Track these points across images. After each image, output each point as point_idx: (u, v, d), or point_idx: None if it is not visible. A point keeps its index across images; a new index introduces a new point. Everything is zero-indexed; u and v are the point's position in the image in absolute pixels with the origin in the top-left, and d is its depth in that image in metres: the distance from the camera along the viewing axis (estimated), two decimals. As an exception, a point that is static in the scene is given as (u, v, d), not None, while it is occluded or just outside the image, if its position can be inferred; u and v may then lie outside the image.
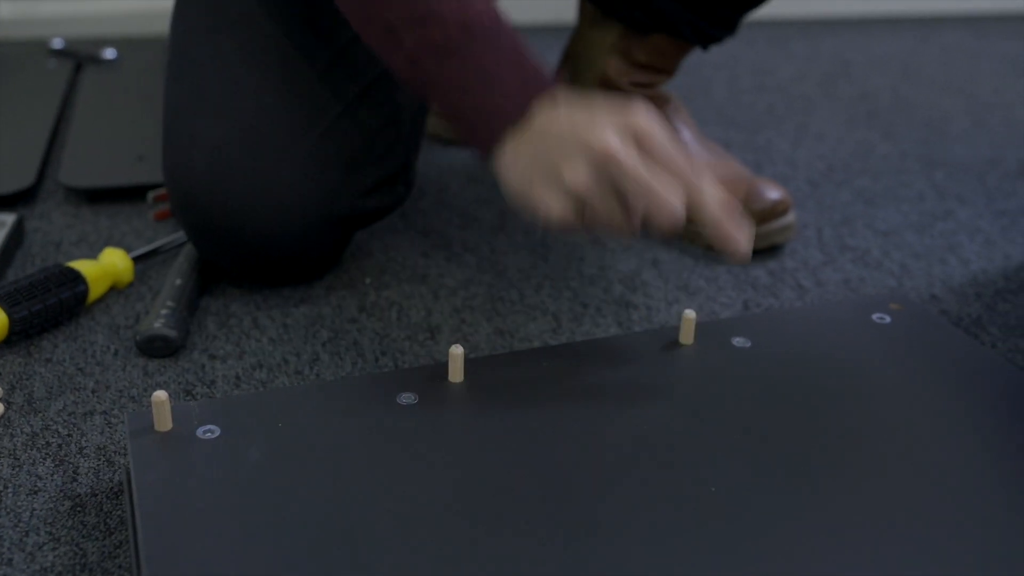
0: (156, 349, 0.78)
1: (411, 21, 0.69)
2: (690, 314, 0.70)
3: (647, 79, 1.05)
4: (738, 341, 0.71)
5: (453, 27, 0.69)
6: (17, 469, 0.67)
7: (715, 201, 0.64)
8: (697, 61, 1.48)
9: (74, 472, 0.67)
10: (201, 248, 0.85)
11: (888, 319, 0.75)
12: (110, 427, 0.71)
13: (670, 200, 0.62)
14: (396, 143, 0.88)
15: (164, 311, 0.79)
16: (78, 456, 0.68)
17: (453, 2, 0.69)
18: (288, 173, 0.81)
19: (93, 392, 0.75)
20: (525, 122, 0.68)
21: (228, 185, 0.80)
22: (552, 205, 0.65)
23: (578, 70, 1.08)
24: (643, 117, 0.64)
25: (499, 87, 0.69)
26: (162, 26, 1.46)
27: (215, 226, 0.81)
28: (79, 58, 1.38)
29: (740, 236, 0.64)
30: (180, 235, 0.93)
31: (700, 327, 0.72)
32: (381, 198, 0.88)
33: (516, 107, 0.68)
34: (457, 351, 0.65)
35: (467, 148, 0.70)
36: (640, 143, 0.64)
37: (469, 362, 0.67)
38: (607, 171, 0.63)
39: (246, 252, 0.83)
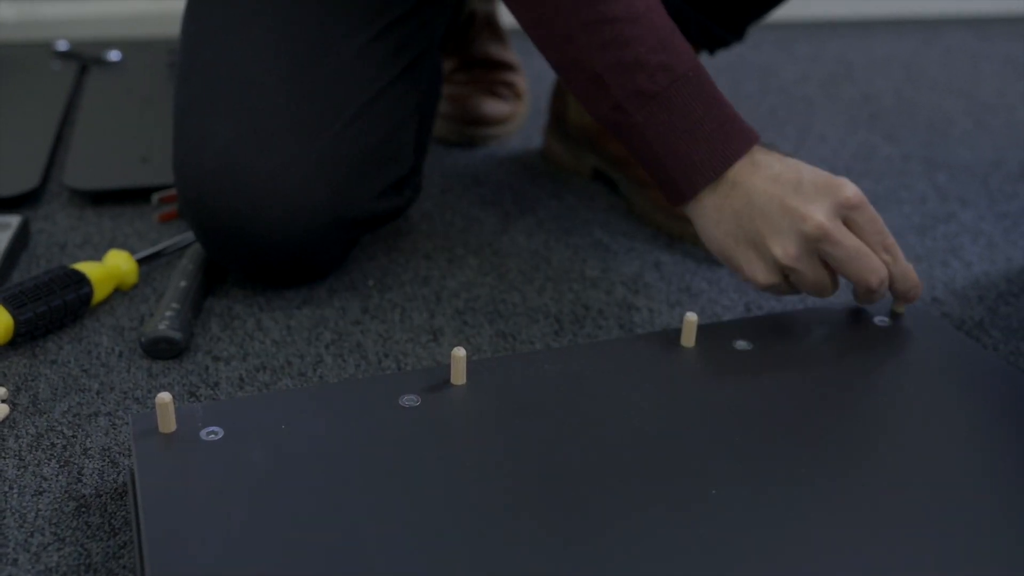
0: (160, 351, 0.78)
1: (618, 68, 0.72)
2: (691, 317, 0.70)
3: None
4: (740, 344, 0.71)
5: (659, 73, 0.72)
6: (22, 470, 0.67)
7: (906, 277, 0.73)
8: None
9: (79, 473, 0.67)
10: (208, 248, 0.85)
11: (889, 322, 0.75)
12: (114, 428, 0.71)
13: (876, 272, 0.70)
14: (406, 146, 0.88)
15: (168, 313, 0.80)
16: (83, 457, 0.68)
17: (659, 49, 0.72)
18: (298, 175, 0.81)
19: (98, 393, 0.75)
20: (724, 177, 0.73)
21: (237, 185, 0.80)
22: (758, 272, 0.72)
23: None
24: (851, 191, 0.70)
25: (702, 136, 0.72)
26: (167, 28, 1.46)
27: (223, 226, 0.82)
28: (83, 60, 1.39)
29: (915, 295, 0.74)
30: (184, 237, 0.93)
31: (702, 330, 0.72)
32: (390, 201, 0.88)
33: (717, 161, 0.72)
34: (459, 353, 0.65)
35: (664, 196, 0.77)
36: (847, 217, 0.70)
37: (471, 364, 0.67)
38: (817, 246, 0.70)
39: (254, 252, 0.84)
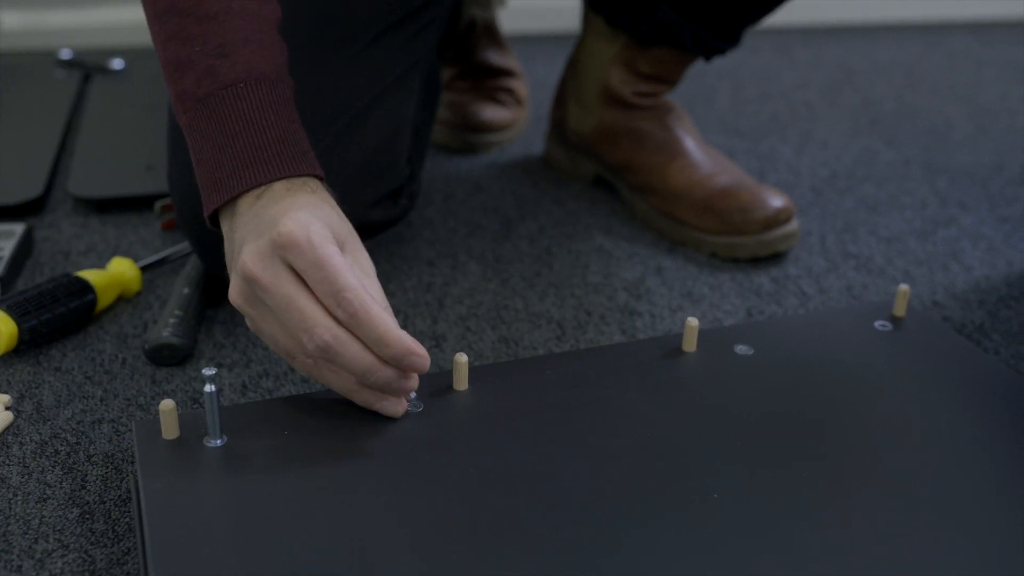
0: (164, 358, 0.79)
1: (175, 65, 0.67)
2: (693, 322, 0.71)
3: (650, 89, 1.05)
4: (740, 348, 0.72)
5: (205, 78, 0.66)
6: (27, 477, 0.67)
7: (382, 342, 0.58)
8: (701, 69, 1.49)
9: (83, 480, 0.67)
10: (206, 260, 0.85)
11: (890, 326, 0.75)
12: (118, 435, 0.72)
13: (309, 330, 0.58)
14: (400, 156, 0.88)
15: (172, 320, 0.80)
16: (86, 464, 0.69)
17: (217, 54, 0.66)
18: None
19: (101, 400, 0.75)
20: (236, 205, 0.64)
21: None
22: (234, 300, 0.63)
23: (582, 80, 1.09)
24: (284, 228, 0.59)
25: (230, 154, 0.65)
26: (169, 36, 1.47)
27: (218, 239, 0.82)
28: (87, 68, 1.39)
29: (412, 363, 0.59)
30: (187, 244, 0.94)
31: (703, 334, 0.72)
32: (385, 211, 0.88)
33: (232, 184, 0.64)
34: (462, 359, 0.66)
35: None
36: (287, 260, 0.59)
37: (474, 370, 0.67)
38: (254, 291, 0.61)
39: None
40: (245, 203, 0.63)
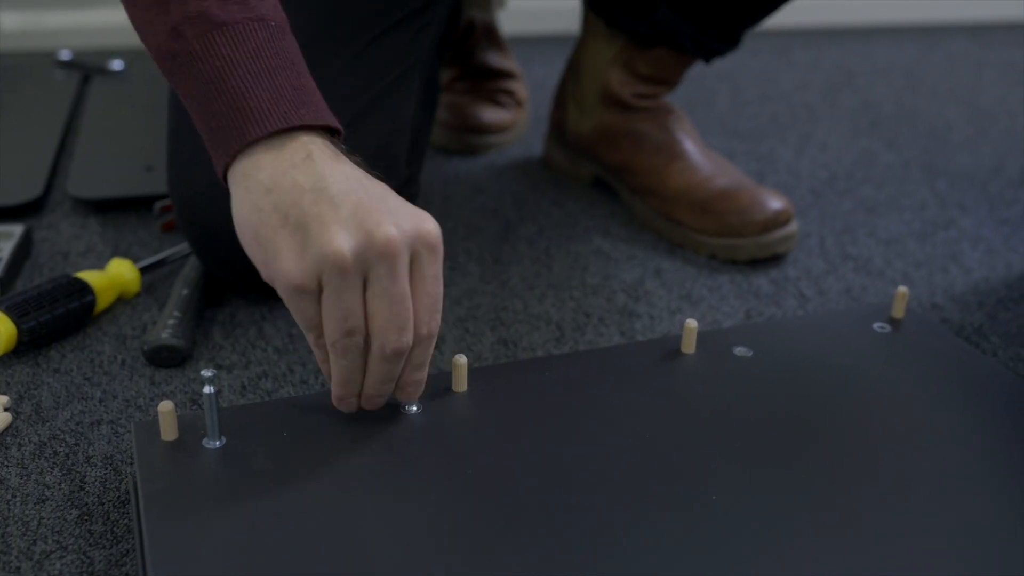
0: (163, 359, 0.79)
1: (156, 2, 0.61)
2: (692, 323, 0.71)
3: (650, 91, 1.06)
4: (739, 350, 0.72)
5: (232, 4, 0.60)
6: (25, 478, 0.67)
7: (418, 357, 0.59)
8: (700, 71, 1.49)
9: (81, 481, 0.67)
10: (205, 261, 0.85)
11: (889, 328, 0.75)
12: (117, 436, 0.72)
13: (409, 328, 0.57)
14: (399, 158, 0.88)
15: (171, 321, 0.80)
16: (85, 465, 0.69)
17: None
18: None
19: (100, 402, 0.75)
20: (289, 139, 0.59)
21: (228, 201, 0.80)
22: (285, 267, 0.58)
23: (581, 81, 1.09)
24: (436, 236, 0.58)
25: (270, 85, 0.59)
26: (169, 37, 1.47)
27: (218, 240, 0.82)
28: (87, 69, 1.39)
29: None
30: (186, 246, 0.94)
31: (702, 336, 0.72)
32: None
33: (283, 112, 0.59)
34: (461, 361, 0.66)
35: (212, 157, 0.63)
36: (417, 253, 0.57)
37: (473, 372, 0.68)
38: (369, 267, 0.56)
39: (249, 267, 0.84)
40: (314, 145, 0.58)
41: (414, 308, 0.57)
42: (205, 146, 0.62)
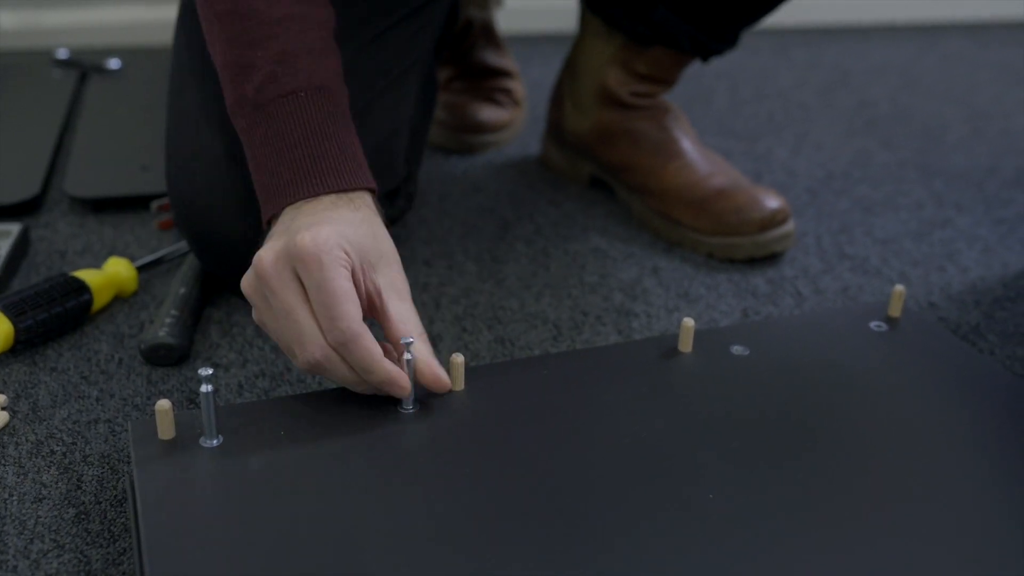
0: (160, 358, 0.79)
1: (235, 68, 0.68)
2: (689, 322, 0.71)
3: (647, 90, 1.06)
4: (736, 349, 0.72)
5: (268, 85, 0.67)
6: (22, 477, 0.67)
7: (360, 361, 0.60)
8: (697, 70, 1.49)
9: (78, 480, 0.67)
10: (203, 259, 0.85)
11: (886, 327, 0.75)
12: (114, 435, 0.72)
13: (302, 343, 0.60)
14: (399, 156, 0.88)
15: (168, 320, 0.80)
16: (82, 464, 0.69)
17: (279, 60, 0.67)
18: None
19: (97, 400, 0.75)
20: (283, 210, 0.66)
21: (230, 198, 0.80)
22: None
23: (579, 80, 1.09)
24: (302, 240, 0.60)
25: (289, 162, 0.66)
26: (166, 36, 1.46)
27: (216, 240, 0.82)
28: (84, 68, 1.39)
29: (393, 392, 0.62)
30: (184, 244, 0.94)
31: (699, 335, 0.73)
32: (382, 211, 0.88)
33: (291, 192, 0.66)
34: (458, 359, 0.66)
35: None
36: (298, 271, 0.60)
37: (470, 370, 0.68)
38: (262, 288, 0.62)
39: (247, 265, 0.84)
40: (291, 208, 0.65)
41: (315, 318, 0.60)
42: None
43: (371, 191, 0.68)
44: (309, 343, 0.60)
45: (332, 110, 0.68)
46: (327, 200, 0.65)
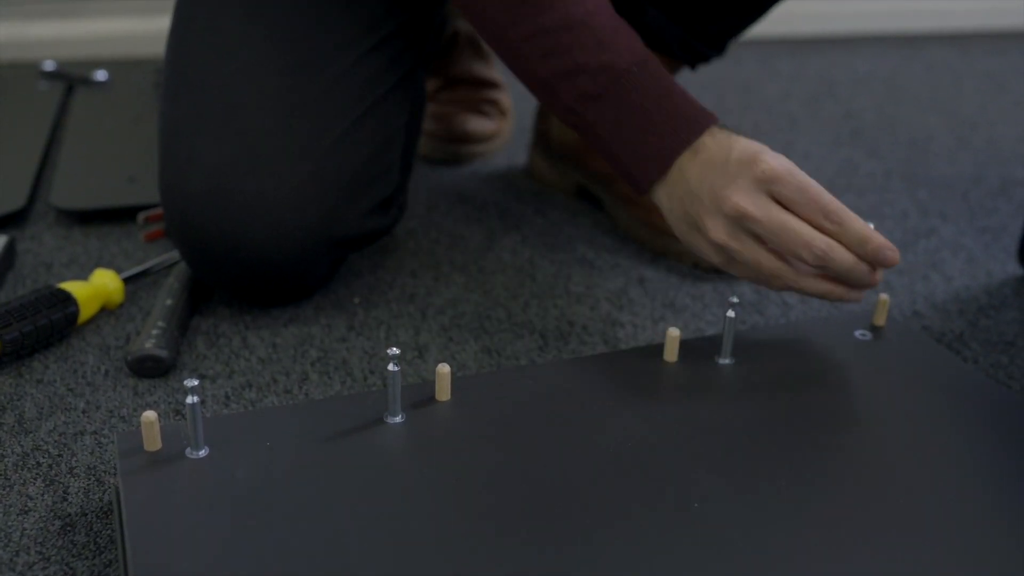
0: (147, 369, 0.79)
1: (562, 75, 0.74)
2: (674, 332, 0.71)
3: (634, 99, 1.06)
4: (722, 359, 0.72)
5: (600, 75, 0.73)
6: (8, 489, 0.67)
7: (866, 239, 0.69)
8: (684, 80, 1.49)
9: (64, 492, 0.67)
10: (196, 268, 0.85)
11: (870, 336, 0.76)
12: (100, 447, 0.71)
13: (808, 244, 0.68)
14: (393, 164, 0.89)
15: (155, 331, 0.80)
16: (68, 476, 0.68)
17: (598, 51, 0.73)
18: (287, 195, 0.81)
19: (83, 412, 0.75)
20: (673, 166, 0.73)
21: (226, 206, 0.80)
22: (708, 254, 0.73)
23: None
24: (765, 166, 0.68)
25: (650, 130, 0.73)
26: (153, 48, 1.47)
27: (211, 248, 0.82)
28: (70, 80, 1.39)
29: (886, 256, 0.70)
30: (170, 256, 0.94)
31: (684, 345, 0.73)
32: (377, 220, 0.89)
33: (665, 154, 0.73)
34: (444, 370, 0.66)
35: (626, 183, 0.80)
36: (772, 191, 0.69)
37: (456, 380, 0.68)
38: (743, 225, 0.69)
39: (242, 273, 0.84)
40: (686, 161, 0.72)
41: (802, 221, 0.69)
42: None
43: (717, 123, 0.74)
44: (814, 239, 0.68)
45: (660, 71, 0.74)
46: (707, 140, 0.72)
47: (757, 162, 0.69)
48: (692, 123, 0.73)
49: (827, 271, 0.70)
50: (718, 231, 0.71)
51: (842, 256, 0.69)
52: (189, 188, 0.81)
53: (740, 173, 0.69)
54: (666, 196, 0.74)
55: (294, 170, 0.81)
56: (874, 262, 0.70)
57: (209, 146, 0.81)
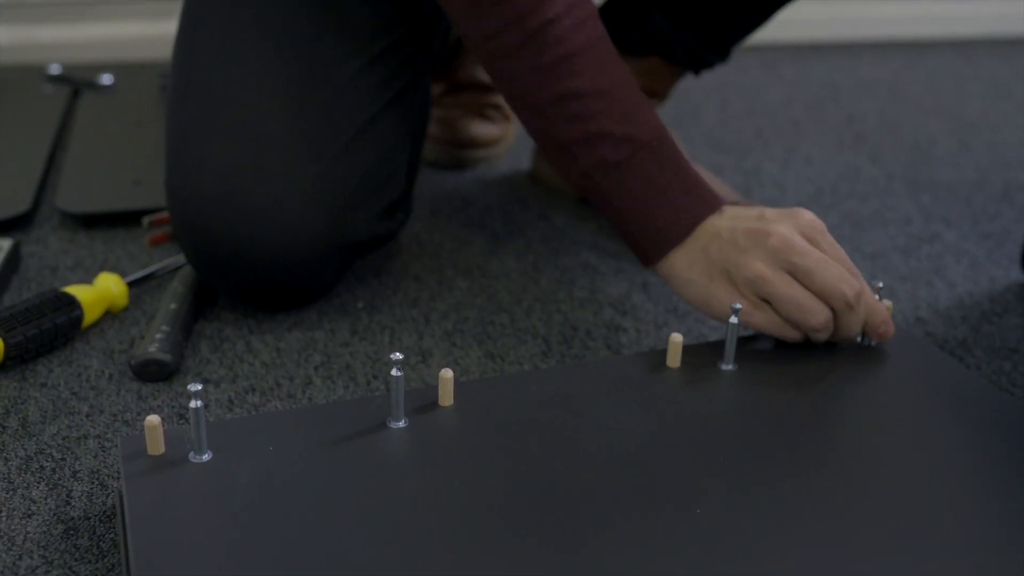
0: (150, 373, 0.79)
1: (584, 141, 0.75)
2: (677, 338, 0.71)
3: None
4: (724, 365, 0.72)
5: (623, 144, 0.74)
6: (11, 493, 0.67)
7: (875, 309, 0.73)
8: (687, 86, 1.50)
9: (67, 496, 0.67)
10: (202, 272, 0.85)
11: (873, 342, 0.76)
12: (104, 451, 0.72)
13: (848, 282, 0.70)
14: (399, 169, 0.89)
15: (159, 335, 0.80)
16: (72, 480, 0.69)
17: (623, 121, 0.74)
18: (296, 199, 0.81)
19: (87, 416, 0.75)
20: (690, 234, 0.74)
21: (235, 210, 0.80)
22: (726, 301, 0.73)
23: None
24: (812, 216, 0.73)
25: (666, 202, 0.75)
26: (159, 52, 1.47)
27: (219, 252, 0.82)
28: (76, 83, 1.39)
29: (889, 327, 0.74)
30: (175, 260, 0.94)
31: (687, 350, 0.73)
32: (384, 225, 0.89)
33: (683, 224, 0.75)
34: (447, 375, 0.66)
35: (636, 256, 0.79)
36: (811, 238, 0.72)
37: (459, 385, 0.68)
38: (784, 258, 0.71)
39: (250, 278, 0.84)
40: (713, 219, 0.74)
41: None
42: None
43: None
44: (847, 280, 0.70)
45: (676, 150, 0.76)
46: (727, 207, 0.76)
47: (803, 213, 0.73)
48: (708, 200, 0.75)
49: (855, 313, 0.72)
50: (758, 265, 0.71)
51: (871, 304, 0.73)
52: (197, 192, 0.81)
53: (782, 218, 0.72)
54: (683, 256, 0.75)
55: (302, 174, 0.81)
56: (874, 331, 0.74)
57: (217, 150, 0.81)
